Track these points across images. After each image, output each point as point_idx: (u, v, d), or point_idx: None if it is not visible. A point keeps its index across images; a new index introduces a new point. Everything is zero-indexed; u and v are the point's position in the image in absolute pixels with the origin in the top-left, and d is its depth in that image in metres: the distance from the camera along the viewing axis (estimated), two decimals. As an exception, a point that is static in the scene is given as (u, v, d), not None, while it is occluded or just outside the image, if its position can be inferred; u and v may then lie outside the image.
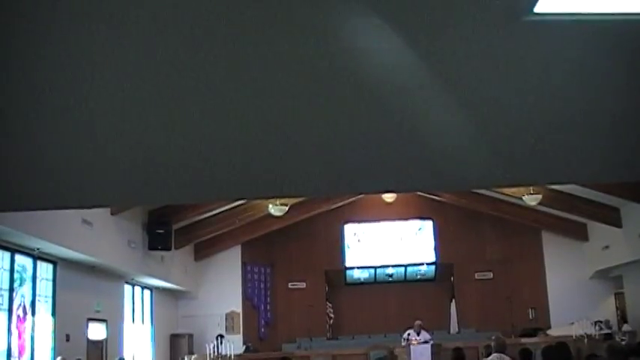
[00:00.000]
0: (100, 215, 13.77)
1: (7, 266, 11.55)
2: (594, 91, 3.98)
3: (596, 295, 21.21)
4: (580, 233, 21.16)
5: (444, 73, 3.84)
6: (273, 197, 15.22)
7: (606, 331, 16.67)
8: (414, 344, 16.55)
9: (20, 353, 11.73)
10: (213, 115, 4.15)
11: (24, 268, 12.11)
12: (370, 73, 3.85)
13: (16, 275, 11.78)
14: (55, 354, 12.18)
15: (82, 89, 4.05)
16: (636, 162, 4.10)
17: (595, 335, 16.51)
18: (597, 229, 19.95)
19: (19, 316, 11.76)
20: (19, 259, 11.93)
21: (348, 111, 4.04)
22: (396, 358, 16.43)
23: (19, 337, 11.75)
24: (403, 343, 16.86)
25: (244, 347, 19.73)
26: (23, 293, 12.03)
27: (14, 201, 4.52)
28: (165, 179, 4.27)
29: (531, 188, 17.40)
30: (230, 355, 16.60)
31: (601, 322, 17.90)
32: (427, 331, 17.51)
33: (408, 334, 17.06)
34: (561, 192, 18.11)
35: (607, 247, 19.39)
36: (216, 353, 16.04)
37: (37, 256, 12.36)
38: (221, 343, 16.62)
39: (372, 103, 4.01)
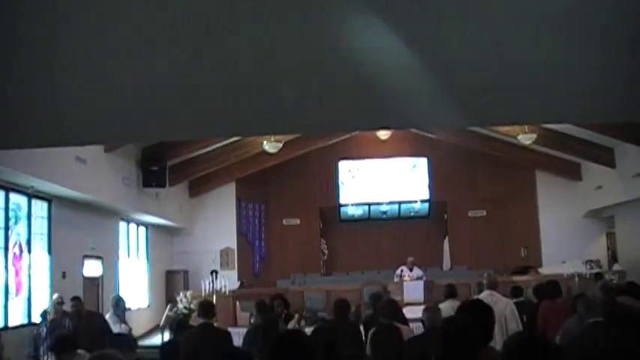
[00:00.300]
0: (93, 153, 13.72)
1: (2, 204, 11.54)
2: (590, 31, 3.92)
3: (588, 235, 21.41)
4: (574, 173, 21.22)
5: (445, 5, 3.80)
6: (267, 134, 15.16)
7: (597, 270, 16.84)
8: (406, 280, 16.72)
9: (17, 290, 11.83)
10: (207, 52, 4.08)
11: (19, 206, 12.11)
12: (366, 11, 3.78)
13: (11, 213, 11.78)
14: (52, 291, 12.27)
15: (77, 28, 3.97)
16: (630, 102, 4.08)
17: (586, 274, 16.69)
18: (591, 169, 20.01)
19: (15, 254, 11.81)
20: (14, 197, 11.92)
21: (342, 47, 3.97)
22: (389, 294, 16.61)
23: (16, 274, 11.83)
24: (396, 280, 17.04)
25: (239, 283, 19.94)
26: (19, 231, 12.06)
27: (7, 139, 4.48)
28: (158, 116, 4.23)
29: (526, 127, 17.34)
30: (225, 291, 16.75)
31: (592, 261, 18.10)
32: (420, 267, 17.67)
33: (401, 271, 17.23)
34: (556, 131, 18.06)
35: (600, 187, 19.47)
36: (211, 289, 16.18)
37: (31, 194, 12.35)
38: (216, 278, 16.75)
39: (367, 38, 3.94)
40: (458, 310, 4.48)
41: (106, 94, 4.20)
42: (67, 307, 10.40)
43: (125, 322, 11.15)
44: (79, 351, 7.20)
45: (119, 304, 11.26)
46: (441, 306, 9.41)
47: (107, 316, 10.86)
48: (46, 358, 9.38)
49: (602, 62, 3.96)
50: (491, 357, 3.93)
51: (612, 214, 20.36)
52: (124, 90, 4.18)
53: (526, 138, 17.77)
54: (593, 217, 21.30)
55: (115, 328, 10.47)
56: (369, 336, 7.23)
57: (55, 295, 10.95)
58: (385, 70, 3.97)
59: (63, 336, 7.23)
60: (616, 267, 18.02)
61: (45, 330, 9.69)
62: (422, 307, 7.43)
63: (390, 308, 7.88)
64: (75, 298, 10.50)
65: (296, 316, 9.26)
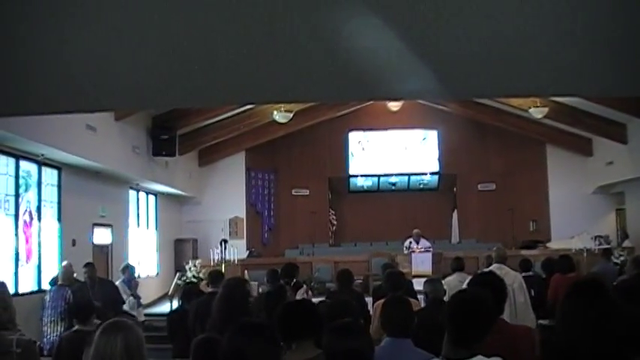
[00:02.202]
0: (104, 121, 13.70)
1: (12, 172, 11.55)
2: (606, 5, 3.88)
3: (597, 211, 21.32)
4: (585, 148, 21.08)
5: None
6: (279, 102, 15.12)
7: (605, 246, 16.80)
8: (416, 252, 16.73)
9: (27, 257, 11.88)
10: (219, 19, 4.04)
11: (29, 173, 12.13)
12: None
13: (21, 181, 11.79)
14: (62, 259, 12.33)
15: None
16: None
17: (594, 250, 16.69)
18: (602, 145, 19.86)
19: (25, 222, 11.85)
20: (24, 164, 11.92)
21: (356, 13, 3.93)
22: (397, 265, 16.64)
23: (26, 241, 11.88)
24: (405, 252, 17.04)
25: (248, 252, 20.01)
26: (29, 199, 12.08)
27: (18, 106, 4.48)
28: (170, 83, 4.21)
29: (538, 101, 17.24)
30: (234, 260, 16.83)
31: (601, 237, 18.03)
32: (426, 239, 17.64)
33: (410, 243, 17.23)
34: (568, 106, 17.91)
35: (611, 162, 19.34)
36: (220, 258, 16.25)
37: (41, 162, 12.35)
38: (225, 248, 16.80)
39: (381, 7, 3.90)
40: (470, 283, 4.47)
41: (116, 61, 4.18)
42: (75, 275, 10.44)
43: (134, 293, 11.22)
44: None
45: (127, 272, 11.33)
46: (449, 279, 9.46)
47: (117, 283, 10.93)
48: (50, 324, 9.43)
49: (613, 36, 3.91)
50: (508, 331, 3.92)
51: (622, 190, 20.24)
52: (135, 57, 4.16)
53: (537, 112, 17.66)
54: (603, 192, 21.18)
55: (125, 296, 10.57)
56: (375, 307, 7.28)
57: (64, 263, 11.01)
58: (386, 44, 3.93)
59: (81, 303, 7.29)
60: (626, 243, 17.97)
61: (49, 297, 9.74)
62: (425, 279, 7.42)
63: (398, 280, 7.91)
64: (88, 264, 10.56)
65: (304, 286, 9.28)
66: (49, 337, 9.33)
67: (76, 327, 6.32)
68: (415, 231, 17.44)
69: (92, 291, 9.92)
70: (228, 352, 2.94)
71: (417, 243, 17.15)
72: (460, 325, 3.14)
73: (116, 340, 3.07)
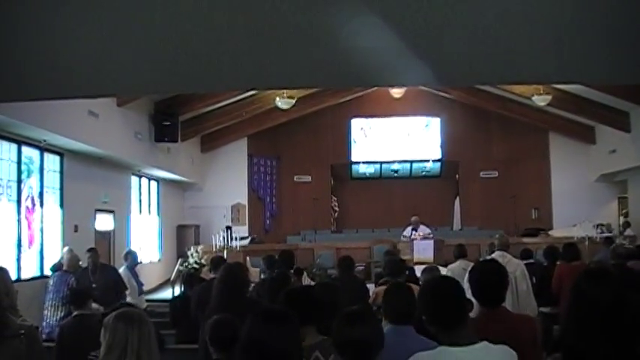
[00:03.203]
0: (106, 106, 13.67)
1: (15, 158, 11.54)
2: None
3: (600, 199, 21.35)
4: (587, 136, 21.06)
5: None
6: (282, 88, 15.07)
7: (607, 234, 16.81)
8: (417, 239, 16.69)
9: (30, 243, 11.90)
10: (222, 5, 4.03)
11: (31, 159, 12.12)
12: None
13: (23, 167, 11.79)
14: (64, 244, 12.33)
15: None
16: None
17: (596, 238, 16.69)
18: (605, 133, 19.83)
19: (27, 207, 11.85)
20: (26, 150, 11.91)
21: (361, 0, 3.92)
22: (399, 252, 16.66)
23: (29, 227, 11.89)
24: (404, 239, 16.96)
25: (249, 238, 20.03)
26: (31, 185, 12.08)
27: (19, 91, 4.47)
28: (172, 69, 4.20)
29: (541, 88, 17.19)
30: (236, 246, 16.85)
31: (603, 225, 18.05)
32: (426, 225, 17.54)
33: (412, 229, 17.11)
34: (571, 94, 17.89)
35: (614, 151, 19.32)
36: (224, 244, 16.28)
37: (43, 148, 12.34)
38: (229, 234, 16.84)
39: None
40: (472, 270, 4.46)
41: (119, 47, 4.16)
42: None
43: (138, 280, 11.22)
44: (93, 305, 7.27)
45: (130, 258, 11.33)
46: (452, 266, 9.46)
47: (120, 270, 10.94)
48: (51, 308, 9.45)
49: (617, 24, 3.89)
50: (510, 319, 3.93)
51: (625, 179, 20.24)
52: (138, 42, 4.14)
53: (540, 99, 17.62)
54: (605, 181, 21.18)
55: (128, 284, 10.57)
56: (375, 293, 7.29)
57: (66, 249, 11.02)
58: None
59: (77, 289, 7.28)
60: (628, 232, 17.96)
61: (52, 281, 9.76)
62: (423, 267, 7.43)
63: (397, 267, 7.92)
64: (91, 250, 10.56)
65: (304, 273, 9.31)
66: (48, 320, 9.35)
67: (75, 312, 6.32)
68: (414, 218, 17.32)
69: (94, 277, 9.93)
70: (249, 340, 2.91)
71: (416, 230, 17.08)
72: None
73: (133, 330, 3.11)
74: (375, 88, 19.52)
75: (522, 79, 4.55)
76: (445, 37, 3.96)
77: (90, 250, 10.58)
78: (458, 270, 9.03)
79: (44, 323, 9.35)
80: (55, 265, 10.65)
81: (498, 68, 4.09)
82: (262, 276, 9.56)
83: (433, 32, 3.94)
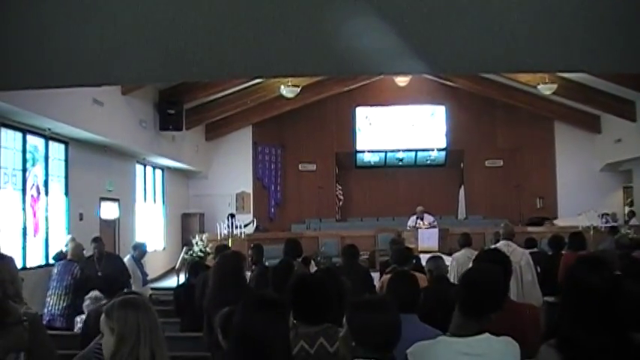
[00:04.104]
0: (110, 95, 13.67)
1: (19, 146, 11.55)
2: None
3: (605, 188, 21.33)
4: (593, 125, 20.99)
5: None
6: (286, 76, 15.04)
7: (612, 223, 16.79)
8: (422, 228, 16.69)
9: (35, 232, 11.93)
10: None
11: (36, 148, 12.13)
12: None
13: (28, 155, 11.80)
14: (69, 233, 12.36)
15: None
16: None
17: (601, 227, 16.67)
18: (611, 122, 19.78)
19: (32, 196, 11.87)
20: (31, 139, 11.92)
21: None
22: (403, 241, 16.68)
23: (34, 216, 11.91)
24: (409, 229, 16.96)
25: (254, 226, 20.06)
26: (36, 173, 12.10)
27: (24, 80, 4.46)
28: (177, 57, 4.18)
29: (546, 77, 17.13)
30: (241, 234, 16.88)
31: (607, 214, 18.01)
32: (431, 214, 17.54)
33: (417, 218, 17.10)
34: (577, 82, 17.82)
35: (619, 140, 19.27)
36: (229, 232, 16.31)
37: (48, 137, 12.35)
38: (233, 222, 16.86)
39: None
40: (476, 259, 4.47)
41: (123, 34, 4.14)
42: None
43: (143, 271, 11.25)
44: (95, 293, 7.30)
45: (139, 250, 11.37)
46: (457, 254, 9.47)
47: (125, 260, 10.97)
48: (54, 296, 9.50)
49: (623, 12, 3.87)
50: (513, 309, 3.93)
51: (630, 168, 20.19)
52: (142, 30, 4.12)
53: (546, 88, 17.55)
54: (610, 170, 21.14)
55: (132, 274, 10.61)
56: (381, 282, 7.30)
57: (69, 237, 11.06)
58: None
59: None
60: (634, 221, 17.93)
61: (56, 270, 9.80)
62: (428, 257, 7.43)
63: (404, 255, 7.93)
64: (96, 239, 10.61)
65: (312, 262, 9.33)
66: (50, 309, 9.41)
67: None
68: (419, 208, 17.33)
69: (99, 265, 9.97)
70: (238, 327, 2.94)
71: (422, 219, 17.08)
72: (475, 294, 3.16)
73: (143, 317, 2.95)
74: (380, 76, 19.49)
75: (527, 67, 4.52)
76: (449, 24, 3.94)
77: (95, 239, 10.62)
78: (463, 259, 9.05)
79: (45, 310, 9.41)
80: (57, 254, 10.68)
81: (503, 56, 4.07)
82: (267, 264, 9.52)
83: (437, 19, 3.92)
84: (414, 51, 3.96)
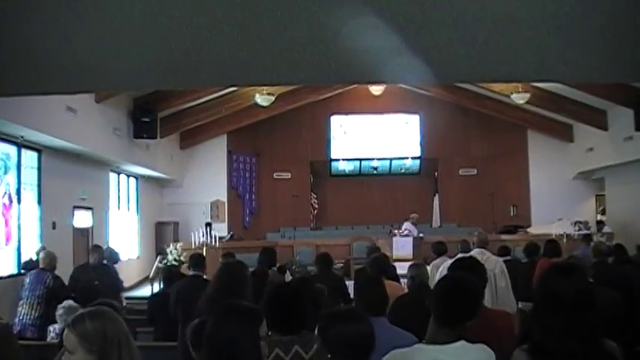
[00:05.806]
0: (84, 102, 13.55)
1: (-9, 154, 11.44)
2: None
3: (578, 196, 21.57)
4: (566, 134, 21.24)
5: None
6: (262, 85, 15.03)
7: (585, 231, 16.95)
8: (396, 236, 16.85)
9: (7, 240, 11.78)
10: (202, 0, 4.01)
11: (8, 156, 11.98)
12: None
13: (0, 163, 11.67)
14: (42, 241, 12.23)
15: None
16: (625, 64, 4.07)
17: (574, 235, 16.83)
18: (583, 131, 20.01)
19: (4, 204, 11.72)
20: (3, 146, 11.78)
21: None
22: (379, 249, 16.74)
23: (6, 224, 11.76)
24: (415, 234, 17.20)
25: (229, 235, 19.98)
26: (8, 181, 11.94)
27: (-3, 87, 4.41)
28: (151, 64, 4.17)
29: (520, 86, 17.29)
30: (215, 243, 16.80)
31: (580, 222, 18.18)
32: (415, 225, 17.88)
33: (412, 222, 17.48)
34: (549, 92, 18.02)
35: (591, 149, 19.51)
36: (206, 241, 16.23)
37: (21, 144, 12.22)
38: (209, 231, 16.78)
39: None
40: (450, 267, 4.49)
41: (97, 42, 4.12)
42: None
43: (117, 277, 11.17)
44: (69, 302, 7.22)
45: (108, 255, 11.28)
46: (436, 262, 9.54)
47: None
48: (25, 306, 9.37)
49: (596, 23, 3.92)
50: (488, 316, 3.95)
51: (603, 176, 20.43)
52: (117, 38, 4.11)
53: (519, 97, 17.72)
54: (583, 178, 21.39)
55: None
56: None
57: (39, 246, 10.94)
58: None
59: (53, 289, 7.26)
60: (606, 229, 18.13)
61: (28, 279, 9.67)
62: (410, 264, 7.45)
63: (383, 264, 7.95)
64: (96, 247, 10.58)
65: (287, 271, 9.31)
66: (22, 318, 9.26)
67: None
68: (413, 215, 17.78)
69: (95, 274, 9.85)
70: (208, 335, 2.94)
71: (415, 225, 17.47)
72: (449, 303, 3.18)
73: (104, 329, 2.63)
74: (355, 85, 19.55)
75: (501, 77, 4.58)
76: (424, 35, 3.97)
77: (95, 247, 10.59)
78: (443, 266, 9.09)
79: (17, 320, 9.27)
80: (26, 262, 10.55)
81: (477, 66, 4.11)
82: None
83: (411, 31, 3.94)
84: (387, 61, 3.99)
